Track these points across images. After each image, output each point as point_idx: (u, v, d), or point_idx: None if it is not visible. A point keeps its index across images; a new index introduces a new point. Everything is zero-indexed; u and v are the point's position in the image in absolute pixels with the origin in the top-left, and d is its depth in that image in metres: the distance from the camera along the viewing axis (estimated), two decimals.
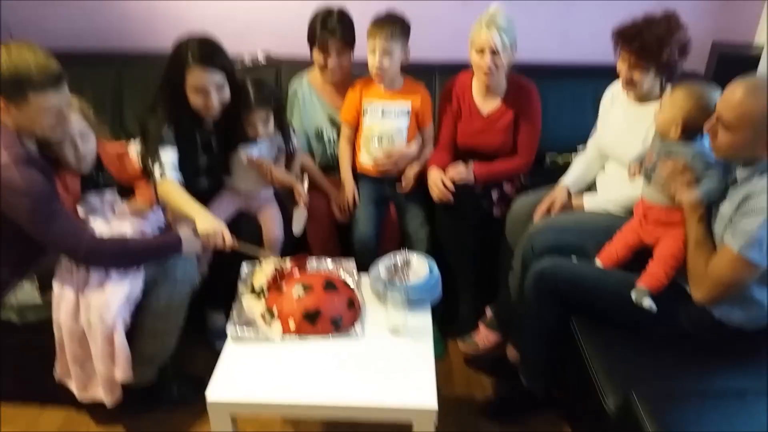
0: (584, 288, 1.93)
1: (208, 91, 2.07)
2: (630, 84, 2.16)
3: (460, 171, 2.42)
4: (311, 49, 2.47)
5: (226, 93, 2.13)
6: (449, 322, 2.53)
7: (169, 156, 2.10)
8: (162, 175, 2.08)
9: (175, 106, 2.11)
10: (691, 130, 1.83)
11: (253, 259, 2.10)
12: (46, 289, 1.97)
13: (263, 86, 2.23)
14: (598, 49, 2.89)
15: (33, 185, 1.78)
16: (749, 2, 2.96)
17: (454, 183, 2.37)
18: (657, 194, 1.91)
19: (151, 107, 2.17)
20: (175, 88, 2.09)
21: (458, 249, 2.44)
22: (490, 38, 2.27)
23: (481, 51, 2.31)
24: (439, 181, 2.36)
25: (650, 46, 2.03)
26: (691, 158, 1.80)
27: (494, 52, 2.29)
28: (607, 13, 2.80)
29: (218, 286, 2.25)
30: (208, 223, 1.99)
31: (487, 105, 2.51)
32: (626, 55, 2.10)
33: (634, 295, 1.82)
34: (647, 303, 1.81)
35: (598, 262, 2.01)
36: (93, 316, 1.89)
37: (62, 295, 1.92)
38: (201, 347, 2.39)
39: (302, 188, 2.33)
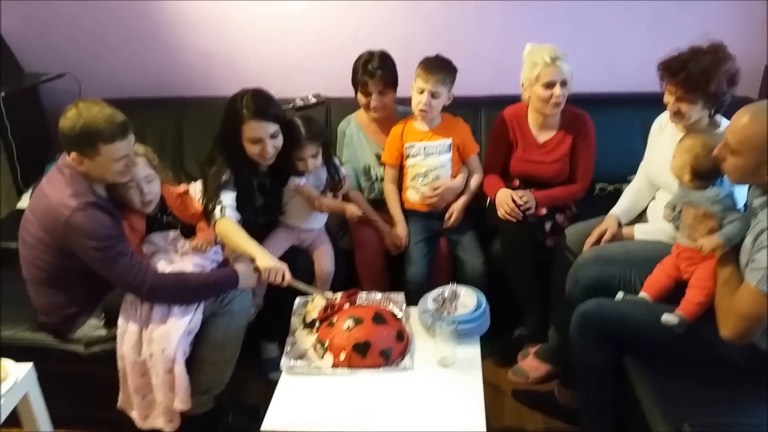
0: (629, 327, 1.90)
1: (263, 141, 2.19)
2: (678, 115, 2.14)
3: (526, 193, 2.45)
4: (355, 91, 2.59)
5: (280, 141, 2.24)
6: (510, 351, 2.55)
7: (228, 198, 2.21)
8: (222, 214, 2.18)
9: (232, 155, 2.23)
10: (703, 175, 1.87)
11: (306, 295, 2.17)
12: (111, 323, 2.08)
13: (312, 122, 2.34)
14: (645, 78, 2.92)
15: (100, 228, 1.92)
16: None
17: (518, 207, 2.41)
18: (686, 239, 1.91)
19: (209, 156, 2.30)
20: (232, 139, 2.21)
21: (523, 272, 2.45)
22: (560, 71, 2.35)
23: (551, 85, 2.38)
24: (509, 199, 2.41)
25: (697, 78, 2.02)
26: (709, 203, 1.83)
27: (564, 84, 2.37)
28: (653, 42, 2.84)
29: (272, 319, 2.34)
30: (269, 261, 2.08)
31: (544, 135, 2.57)
32: (673, 88, 2.09)
33: (663, 318, 1.80)
34: (671, 320, 1.79)
35: (644, 294, 1.98)
36: (155, 348, 1.98)
37: (126, 329, 2.03)
38: (255, 377, 2.47)
39: (355, 208, 2.47)
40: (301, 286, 2.14)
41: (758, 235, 1.63)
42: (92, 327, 2.10)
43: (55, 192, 1.94)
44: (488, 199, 2.58)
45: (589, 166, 2.58)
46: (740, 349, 1.73)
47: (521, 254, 2.44)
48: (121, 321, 2.04)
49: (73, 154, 1.92)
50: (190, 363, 2.06)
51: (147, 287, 1.98)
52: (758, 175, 1.62)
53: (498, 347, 2.53)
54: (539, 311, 2.51)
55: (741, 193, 1.91)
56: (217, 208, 2.18)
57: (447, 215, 2.53)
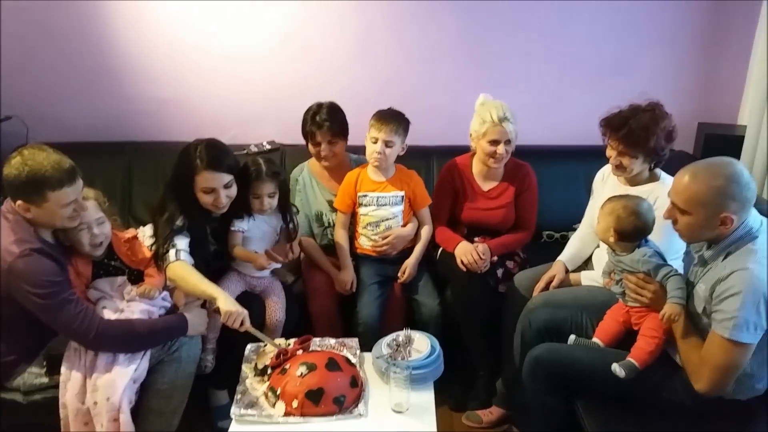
0: (580, 371, 1.94)
1: (217, 191, 2.18)
2: (620, 168, 2.26)
3: (483, 246, 2.50)
4: (306, 142, 2.64)
5: (233, 190, 2.23)
6: (463, 399, 2.56)
7: (182, 242, 2.17)
8: (177, 257, 2.13)
9: (185, 203, 2.21)
10: (626, 236, 1.95)
11: (258, 341, 2.14)
12: (54, 371, 1.99)
13: (272, 163, 2.35)
14: (587, 133, 3.08)
15: (44, 275, 1.86)
16: (731, 85, 3.12)
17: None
18: (632, 302, 1.98)
19: (160, 203, 2.26)
20: (184, 188, 2.19)
21: (475, 323, 2.47)
22: (505, 131, 2.45)
23: (495, 143, 2.47)
24: (473, 252, 2.44)
25: (637, 135, 2.15)
26: (640, 265, 1.91)
27: (508, 143, 2.46)
28: (592, 99, 3.00)
29: (222, 366, 2.27)
30: (231, 305, 2.03)
31: (488, 184, 2.66)
32: (614, 143, 2.21)
33: (613, 367, 1.84)
34: (620, 372, 1.83)
35: (596, 340, 2.03)
36: (99, 396, 1.92)
37: (70, 376, 1.95)
38: (203, 426, 2.39)
39: (264, 261, 2.34)
40: (257, 333, 2.10)
41: (715, 283, 1.69)
42: (33, 375, 2.01)
43: None
44: (439, 250, 2.63)
45: (532, 213, 2.68)
46: (688, 392, 1.78)
47: (476, 309, 2.47)
48: (64, 368, 1.97)
49: (20, 202, 1.88)
50: (136, 412, 2.00)
51: (93, 335, 1.92)
52: (711, 228, 1.70)
53: (451, 392, 2.54)
54: (489, 375, 2.54)
55: (665, 245, 2.02)
56: (172, 251, 2.14)
57: (400, 272, 2.55)
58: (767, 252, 1.67)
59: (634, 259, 1.94)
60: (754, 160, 2.91)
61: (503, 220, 2.64)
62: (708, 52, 3.16)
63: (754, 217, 1.72)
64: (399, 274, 2.55)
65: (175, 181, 2.22)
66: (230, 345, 2.22)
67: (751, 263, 1.64)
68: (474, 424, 2.44)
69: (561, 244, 2.61)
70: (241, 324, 2.04)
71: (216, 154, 2.18)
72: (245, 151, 3.08)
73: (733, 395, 1.77)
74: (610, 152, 2.26)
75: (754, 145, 2.92)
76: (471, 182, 2.67)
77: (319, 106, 2.60)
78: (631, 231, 1.94)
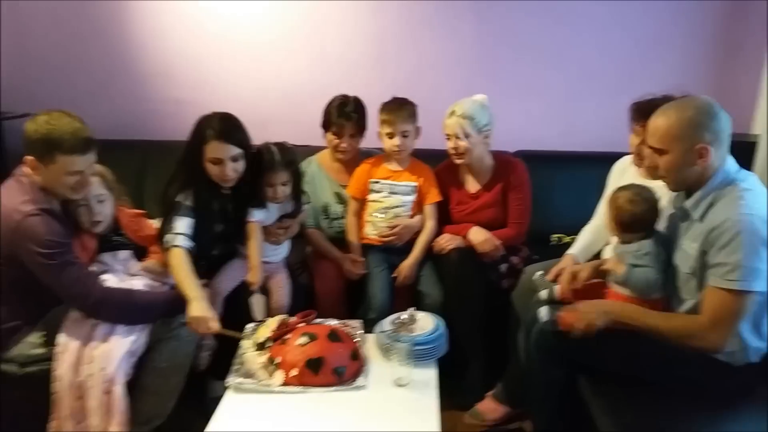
0: (588, 344, 1.86)
1: (224, 162, 2.17)
2: (641, 157, 2.21)
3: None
4: (326, 132, 2.63)
5: (241, 165, 2.22)
6: (456, 393, 2.44)
7: (181, 224, 2.15)
8: (173, 243, 2.11)
9: (193, 175, 2.21)
10: (626, 227, 1.94)
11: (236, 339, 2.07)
12: (51, 342, 1.97)
13: (287, 150, 2.33)
14: (599, 139, 3.09)
15: (51, 234, 1.87)
16: (744, 95, 3.11)
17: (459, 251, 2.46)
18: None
19: (172, 176, 2.27)
20: (194, 160, 2.20)
21: (466, 315, 2.42)
22: (453, 126, 2.47)
23: (449, 137, 2.49)
24: (493, 239, 2.49)
25: None
26: (631, 257, 1.89)
27: (458, 138, 2.46)
28: (605, 107, 3.01)
29: (223, 356, 2.21)
30: (197, 310, 1.95)
31: (475, 185, 2.65)
32: (640, 129, 2.15)
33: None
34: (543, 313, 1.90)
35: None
36: (94, 367, 1.89)
37: (66, 346, 1.92)
38: (200, 417, 2.30)
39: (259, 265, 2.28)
40: (231, 334, 2.04)
41: (708, 235, 1.67)
42: (30, 345, 1.99)
43: (9, 198, 1.91)
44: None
45: (520, 210, 2.61)
46: (700, 366, 1.72)
47: (465, 293, 2.44)
48: (61, 338, 1.94)
49: (30, 158, 1.90)
50: (131, 391, 1.95)
51: (93, 300, 1.91)
52: (690, 163, 1.71)
53: (454, 390, 2.44)
54: (482, 366, 2.48)
55: None
56: (170, 235, 2.13)
57: (395, 273, 2.52)
58: (758, 194, 1.68)
59: (629, 249, 1.90)
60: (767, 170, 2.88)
61: (494, 219, 2.61)
62: (721, 61, 3.16)
63: (731, 164, 1.74)
64: (395, 274, 2.52)
65: (186, 153, 2.23)
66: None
67: (743, 209, 1.63)
68: (477, 421, 2.35)
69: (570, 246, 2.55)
70: (209, 330, 1.97)
71: (227, 126, 2.19)
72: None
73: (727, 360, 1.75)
74: (633, 139, 2.20)
75: (766, 156, 2.90)
76: (460, 182, 2.66)
77: (346, 98, 2.61)
78: (629, 221, 1.91)
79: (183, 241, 2.12)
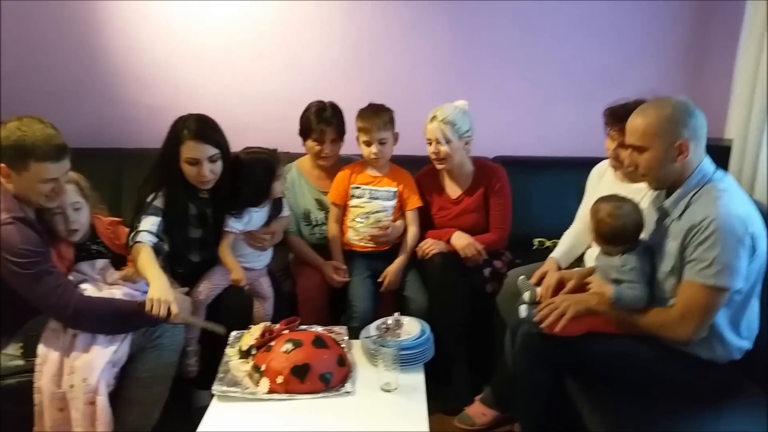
0: (572, 345, 1.89)
1: (201, 163, 2.15)
2: (618, 161, 2.24)
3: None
4: (305, 140, 2.61)
5: (218, 166, 2.20)
6: (443, 397, 2.44)
7: (146, 222, 2.11)
8: (135, 239, 2.07)
9: (169, 176, 2.18)
10: (606, 240, 1.91)
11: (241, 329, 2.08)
12: (30, 353, 1.92)
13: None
14: (577, 145, 3.13)
15: (26, 244, 1.83)
16: (717, 100, 3.16)
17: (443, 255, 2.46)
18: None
19: (144, 180, 2.24)
20: (170, 161, 2.18)
21: (450, 319, 2.42)
22: (432, 130, 2.48)
23: (430, 142, 2.51)
24: (475, 244, 2.50)
25: None
26: (613, 271, 1.88)
27: (439, 143, 2.47)
28: (582, 113, 3.04)
29: (206, 365, 2.18)
30: (158, 291, 1.90)
31: (456, 190, 2.66)
32: (615, 134, 2.19)
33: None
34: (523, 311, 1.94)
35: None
36: (76, 379, 1.85)
37: (46, 357, 1.88)
38: (186, 425, 2.27)
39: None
40: (196, 322, 2.00)
41: (687, 233, 1.70)
42: (8, 357, 1.94)
43: None
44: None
45: (501, 215, 2.63)
46: (683, 365, 1.75)
47: (447, 295, 2.44)
48: (41, 349, 1.90)
49: (2, 166, 1.86)
50: (115, 402, 1.92)
51: (72, 310, 1.87)
52: (671, 159, 1.74)
53: (441, 394, 2.44)
54: (466, 369, 2.49)
55: None
56: (134, 232, 2.10)
57: (381, 277, 2.53)
58: (734, 195, 1.72)
59: (613, 264, 1.88)
60: (741, 173, 2.94)
61: (475, 224, 2.62)
62: (693, 67, 3.21)
63: (708, 163, 1.79)
64: (380, 279, 2.52)
65: (162, 153, 2.20)
66: (215, 343, 2.12)
67: (721, 208, 1.67)
68: (467, 426, 2.35)
69: (552, 250, 2.56)
70: (169, 314, 1.89)
71: (203, 126, 2.17)
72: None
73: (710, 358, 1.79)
74: (609, 144, 2.23)
75: (740, 160, 2.96)
76: (441, 188, 2.68)
77: (322, 103, 2.60)
78: (610, 235, 1.88)
79: (144, 237, 2.08)
